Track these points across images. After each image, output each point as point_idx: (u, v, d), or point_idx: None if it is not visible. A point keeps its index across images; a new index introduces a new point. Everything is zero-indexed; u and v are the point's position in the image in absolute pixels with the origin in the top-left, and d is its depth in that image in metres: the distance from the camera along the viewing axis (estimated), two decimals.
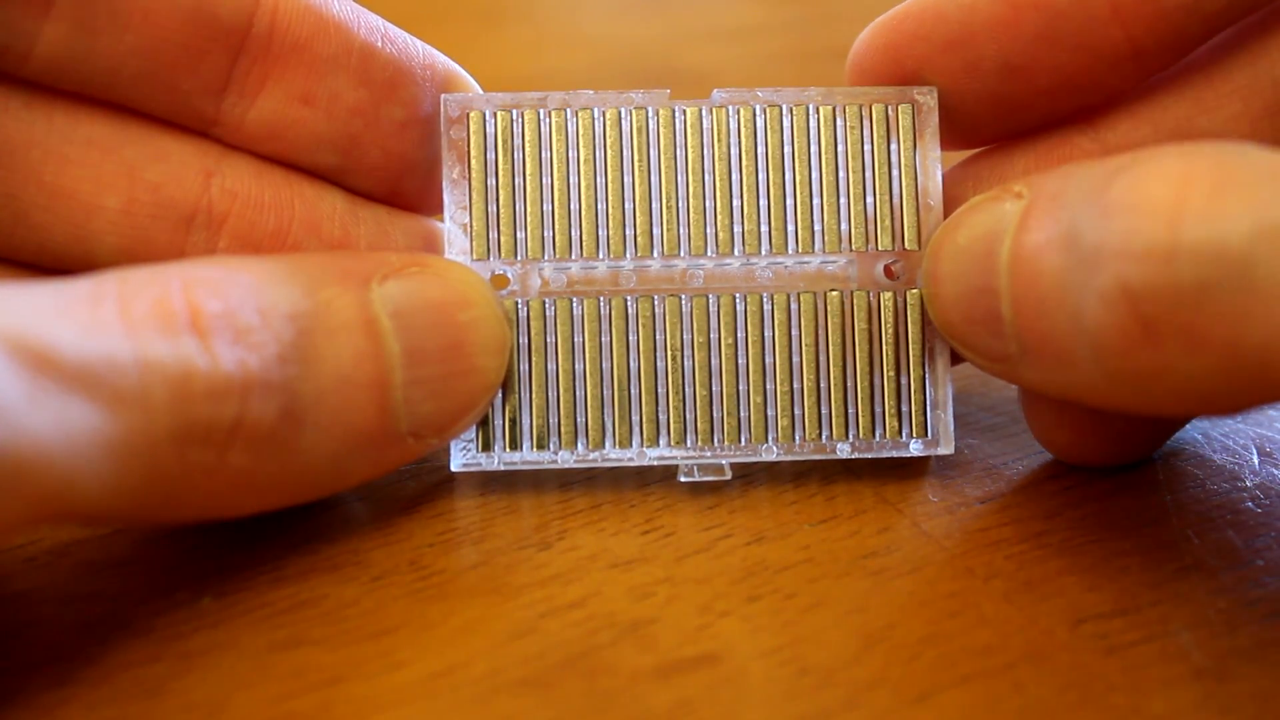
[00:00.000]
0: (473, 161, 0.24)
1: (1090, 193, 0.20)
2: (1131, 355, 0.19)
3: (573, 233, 0.24)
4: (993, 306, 0.21)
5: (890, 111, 0.24)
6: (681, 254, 0.24)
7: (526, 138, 0.24)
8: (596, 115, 0.24)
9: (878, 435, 0.24)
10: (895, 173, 0.24)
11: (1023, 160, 0.25)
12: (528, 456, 0.24)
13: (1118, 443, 0.24)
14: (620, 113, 0.24)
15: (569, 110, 0.24)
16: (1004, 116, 0.25)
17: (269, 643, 0.20)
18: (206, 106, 0.24)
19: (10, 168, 0.23)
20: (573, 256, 0.24)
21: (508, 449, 0.24)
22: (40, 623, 0.21)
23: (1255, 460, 0.24)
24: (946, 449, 0.24)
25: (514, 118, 0.24)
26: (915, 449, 0.24)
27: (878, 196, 0.24)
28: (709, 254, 0.24)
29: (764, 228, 0.24)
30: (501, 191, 0.24)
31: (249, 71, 0.23)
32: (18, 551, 0.22)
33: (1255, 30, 0.24)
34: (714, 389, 0.24)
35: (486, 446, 0.24)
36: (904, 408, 0.24)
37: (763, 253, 0.24)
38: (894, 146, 0.24)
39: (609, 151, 0.24)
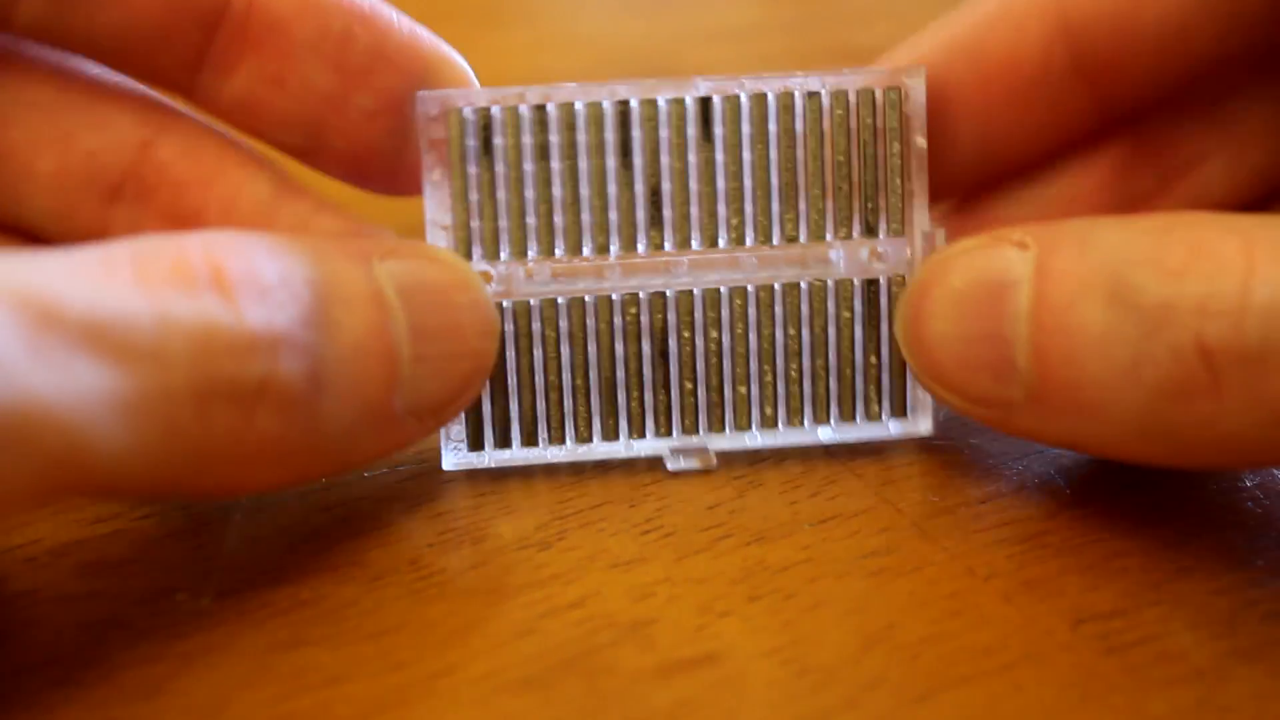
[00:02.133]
0: (453, 160, 0.24)
1: (1139, 253, 0.20)
2: (1190, 406, 0.20)
3: (556, 228, 0.24)
4: (1001, 353, 0.21)
5: (876, 97, 0.24)
6: (666, 245, 0.24)
7: (507, 133, 0.24)
8: (578, 108, 0.24)
9: (858, 419, 0.24)
10: (879, 160, 0.24)
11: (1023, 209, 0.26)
12: (517, 454, 0.24)
13: None
14: (602, 104, 0.24)
15: (550, 104, 0.24)
16: (978, 175, 0.25)
17: (269, 643, 0.20)
18: (181, 80, 0.24)
19: None
20: (556, 252, 0.24)
21: (497, 446, 0.24)
22: (40, 623, 0.21)
23: None
24: (925, 429, 0.25)
25: (494, 114, 0.24)
26: (894, 430, 0.24)
27: (862, 184, 0.24)
28: (693, 244, 0.24)
29: (748, 216, 0.24)
30: (483, 189, 0.24)
31: (225, 50, 0.23)
32: (18, 552, 0.22)
33: None
34: (699, 379, 0.24)
35: (477, 445, 0.24)
36: (884, 391, 0.24)
37: (747, 242, 0.24)
38: (878, 134, 0.24)
39: (590, 144, 0.24)
